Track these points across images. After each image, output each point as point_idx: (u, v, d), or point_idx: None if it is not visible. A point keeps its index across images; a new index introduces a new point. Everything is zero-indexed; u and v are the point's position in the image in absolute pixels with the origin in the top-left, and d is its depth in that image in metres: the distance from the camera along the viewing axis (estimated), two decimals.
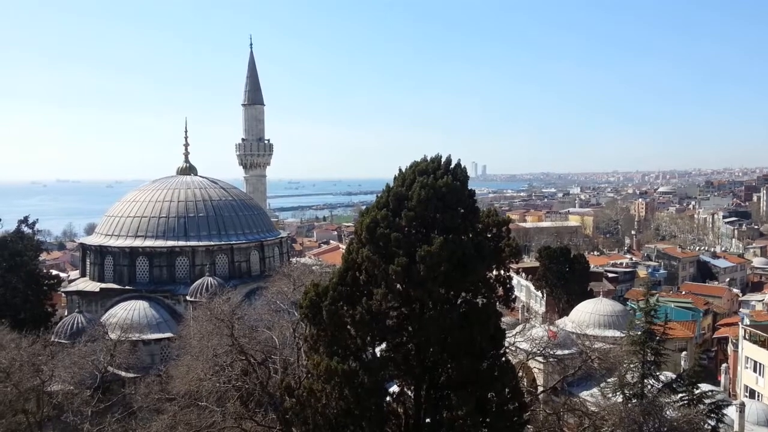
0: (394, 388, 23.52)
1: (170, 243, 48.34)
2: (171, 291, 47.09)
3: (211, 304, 34.22)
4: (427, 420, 22.65)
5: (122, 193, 57.58)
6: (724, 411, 29.69)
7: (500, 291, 23.31)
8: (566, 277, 65.85)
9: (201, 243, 48.64)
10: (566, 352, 37.39)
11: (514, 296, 24.62)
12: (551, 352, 35.86)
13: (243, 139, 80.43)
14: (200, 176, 55.47)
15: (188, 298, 44.30)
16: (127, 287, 47.79)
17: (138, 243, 48.52)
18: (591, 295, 58.83)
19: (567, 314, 50.94)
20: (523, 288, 74.92)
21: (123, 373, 39.03)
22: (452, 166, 22.90)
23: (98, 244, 49.91)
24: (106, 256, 49.31)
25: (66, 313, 49.12)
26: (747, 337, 51.58)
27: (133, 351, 39.32)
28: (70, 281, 54.89)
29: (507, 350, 25.81)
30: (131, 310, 44.71)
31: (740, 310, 72.66)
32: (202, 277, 45.29)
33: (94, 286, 48.86)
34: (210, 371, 30.16)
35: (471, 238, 22.12)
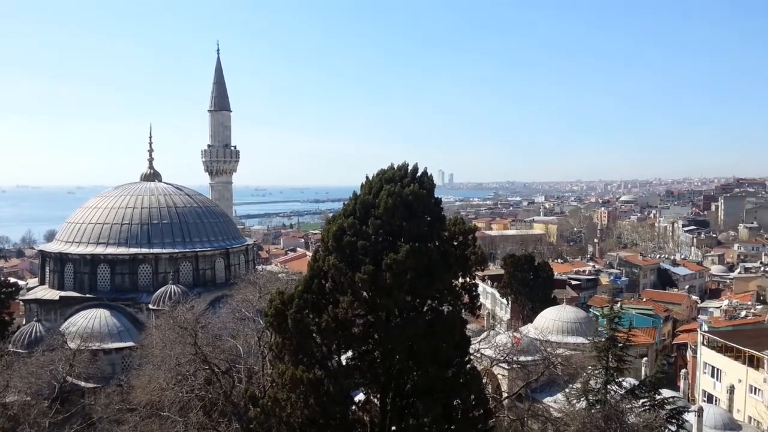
0: (360, 397, 23.44)
1: (133, 250, 47.57)
2: (133, 299, 46.31)
3: (174, 312, 33.84)
4: (393, 428, 22.62)
5: (84, 200, 56.51)
6: (684, 416, 30.30)
7: (466, 298, 23.43)
8: (531, 285, 66.63)
9: (165, 250, 47.95)
10: (530, 358, 37.80)
11: (479, 304, 24.76)
12: (515, 359, 36.26)
13: (209, 146, 79.67)
14: (165, 183, 54.80)
15: (151, 306, 43.65)
16: (87, 295, 46.86)
17: (100, 250, 47.63)
18: (555, 302, 59.61)
19: (531, 321, 51.53)
20: (488, 295, 75.57)
21: (82, 384, 38.21)
22: (419, 174, 22.97)
23: (58, 251, 48.85)
24: (66, 263, 48.28)
25: (24, 322, 47.87)
26: (705, 343, 52.84)
27: (93, 360, 38.63)
28: (29, 289, 53.50)
29: (472, 357, 25.99)
30: (92, 318, 43.87)
31: (699, 316, 74.25)
32: (166, 285, 44.65)
33: (54, 294, 47.77)
34: (172, 381, 29.76)
35: (437, 246, 22.21)
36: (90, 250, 47.82)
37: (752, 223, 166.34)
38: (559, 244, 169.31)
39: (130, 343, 42.51)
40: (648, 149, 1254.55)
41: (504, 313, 70.95)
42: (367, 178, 23.21)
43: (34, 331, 41.07)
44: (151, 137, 55.87)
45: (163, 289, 44.19)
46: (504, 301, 71.54)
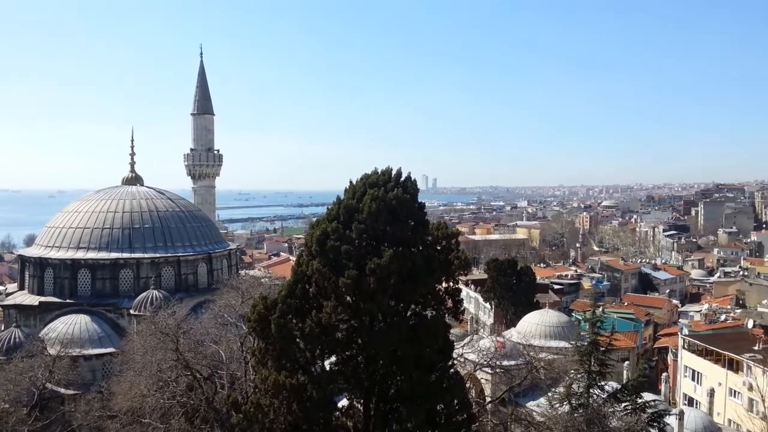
0: (343, 402, 23.38)
1: (114, 255, 47.12)
2: (114, 304, 45.84)
3: (155, 317, 33.58)
4: None
5: (65, 204, 55.94)
6: (665, 419, 30.56)
7: (449, 303, 23.46)
8: (513, 289, 66.98)
9: (146, 255, 47.55)
10: (513, 362, 37.94)
11: (463, 308, 24.84)
12: (499, 363, 36.37)
13: (192, 149, 79.24)
14: (147, 186, 54.36)
15: (132, 311, 43.26)
16: (68, 301, 46.31)
17: (80, 255, 47.14)
18: (537, 306, 59.93)
19: (514, 325, 51.73)
20: (472, 300, 75.80)
21: (62, 390, 37.71)
22: (403, 178, 23.01)
23: (38, 256, 48.27)
24: (46, 268, 47.70)
25: (2, 328, 47.18)
26: (686, 346, 53.40)
27: (74, 367, 38.18)
28: (8, 294, 52.82)
29: (456, 361, 26.03)
30: (72, 324, 43.37)
31: (679, 320, 75.11)
32: (147, 290, 44.26)
33: (33, 300, 47.15)
34: (154, 387, 29.52)
35: (421, 251, 22.24)
36: (70, 254, 47.31)
37: (731, 228, 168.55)
38: (542, 248, 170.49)
39: (110, 349, 42.05)
40: (629, 155, 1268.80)
41: (487, 317, 71.22)
42: (350, 182, 23.22)
43: (12, 337, 40.50)
44: (133, 140, 55.59)
45: (144, 294, 43.80)
46: (487, 305, 71.82)
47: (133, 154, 55.69)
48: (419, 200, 23.33)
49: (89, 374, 41.29)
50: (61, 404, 37.18)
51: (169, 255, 48.37)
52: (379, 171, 23.28)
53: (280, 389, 20.62)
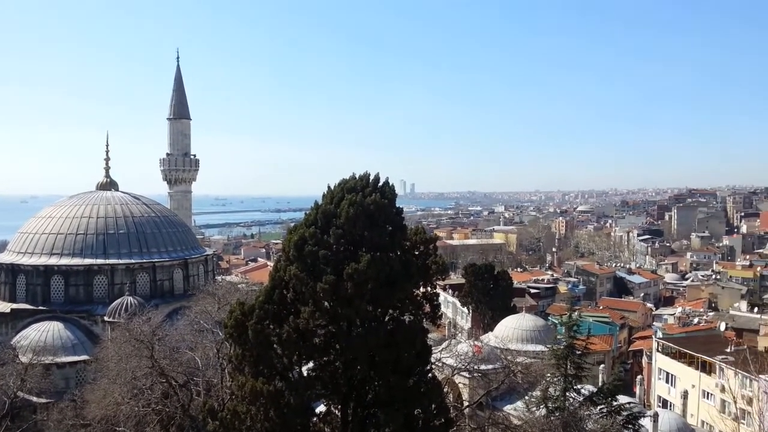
0: (321, 408, 23.31)
1: (88, 261, 46.52)
2: (88, 311, 45.25)
3: (130, 324, 33.20)
4: None
5: (38, 209, 55.08)
6: (640, 421, 30.94)
7: (427, 308, 23.55)
8: (491, 294, 67.31)
9: (121, 261, 47.02)
10: (491, 366, 38.10)
11: (440, 313, 24.91)
12: (476, 367, 36.51)
13: (168, 154, 78.44)
14: (121, 192, 53.84)
15: (106, 318, 42.68)
16: (40, 307, 45.64)
17: (53, 261, 46.47)
18: (514, 310, 60.33)
19: (492, 330, 51.99)
20: (449, 304, 76.01)
21: (34, 399, 37.13)
22: (380, 184, 23.08)
23: (10, 262, 47.47)
24: (18, 274, 46.95)
25: None
26: (660, 349, 54.12)
27: (46, 375, 37.63)
28: None
29: (433, 366, 26.10)
30: (44, 331, 42.72)
31: (653, 323, 76.10)
32: (122, 297, 43.72)
33: (5, 307, 46.32)
34: (128, 395, 29.18)
35: (399, 256, 22.30)
36: (43, 261, 46.62)
37: (704, 232, 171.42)
38: (519, 253, 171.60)
39: (84, 357, 41.49)
40: (605, 160, 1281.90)
41: (465, 322, 71.42)
42: (328, 187, 23.22)
43: None
44: (107, 145, 54.96)
45: (119, 300, 43.26)
46: (465, 310, 72.06)
47: (107, 159, 55.14)
48: (397, 205, 23.42)
49: (62, 382, 40.67)
50: (33, 413, 36.63)
51: (145, 261, 47.87)
52: (357, 176, 23.32)
53: (257, 396, 20.51)
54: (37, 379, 35.77)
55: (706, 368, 48.10)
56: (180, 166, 78.03)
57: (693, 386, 48.13)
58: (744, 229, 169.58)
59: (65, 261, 46.51)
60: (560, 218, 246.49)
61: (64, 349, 41.85)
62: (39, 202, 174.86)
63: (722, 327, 59.56)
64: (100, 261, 46.68)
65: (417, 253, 23.30)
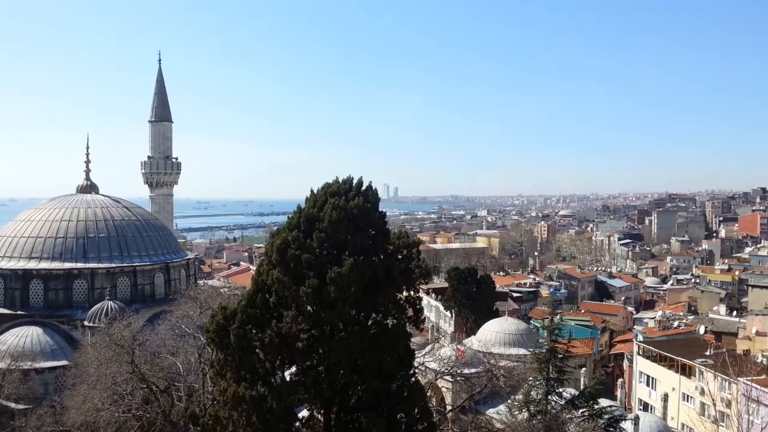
0: (304, 413, 23.22)
1: (67, 265, 45.94)
2: (68, 316, 44.65)
3: (110, 329, 32.85)
4: None
5: (16, 212, 54.38)
6: (621, 424, 31.18)
7: (410, 312, 23.58)
8: (474, 297, 67.61)
9: (101, 265, 46.48)
10: (473, 370, 38.22)
11: (423, 317, 24.98)
12: (459, 371, 36.60)
13: (149, 157, 77.82)
14: (102, 195, 53.23)
15: (86, 323, 42.15)
16: (19, 312, 44.90)
17: (32, 265, 45.81)
18: (497, 314, 60.56)
19: (474, 333, 52.17)
20: (432, 308, 76.15)
21: (12, 405, 36.65)
22: (364, 188, 23.10)
23: None
24: None
25: None
26: (640, 353, 54.60)
27: (25, 381, 37.12)
28: None
29: (417, 370, 26.12)
30: (23, 336, 42.09)
31: (634, 327, 76.72)
32: (102, 301, 43.21)
33: None
34: (108, 400, 28.85)
35: (382, 260, 22.32)
36: (22, 264, 45.96)
37: (683, 236, 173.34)
38: (501, 257, 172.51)
39: (63, 362, 40.90)
40: (586, 165, 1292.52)
41: (448, 325, 71.61)
42: (311, 191, 23.20)
43: None
44: (88, 148, 54.35)
45: (99, 305, 42.76)
46: (448, 313, 72.27)
47: (88, 162, 54.51)
48: (380, 209, 23.45)
49: (41, 388, 40.07)
50: (11, 419, 36.16)
51: (125, 265, 47.38)
52: (341, 180, 23.34)
53: (239, 401, 20.37)
54: (15, 385, 35.31)
55: (686, 371, 48.59)
56: (161, 169, 77.42)
57: (673, 389, 48.60)
58: (723, 233, 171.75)
59: (44, 265, 45.89)
60: (542, 222, 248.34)
61: (43, 354, 41.26)
62: (18, 206, 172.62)
63: (702, 330, 60.29)
64: (80, 265, 46.11)
65: (400, 257, 23.33)
